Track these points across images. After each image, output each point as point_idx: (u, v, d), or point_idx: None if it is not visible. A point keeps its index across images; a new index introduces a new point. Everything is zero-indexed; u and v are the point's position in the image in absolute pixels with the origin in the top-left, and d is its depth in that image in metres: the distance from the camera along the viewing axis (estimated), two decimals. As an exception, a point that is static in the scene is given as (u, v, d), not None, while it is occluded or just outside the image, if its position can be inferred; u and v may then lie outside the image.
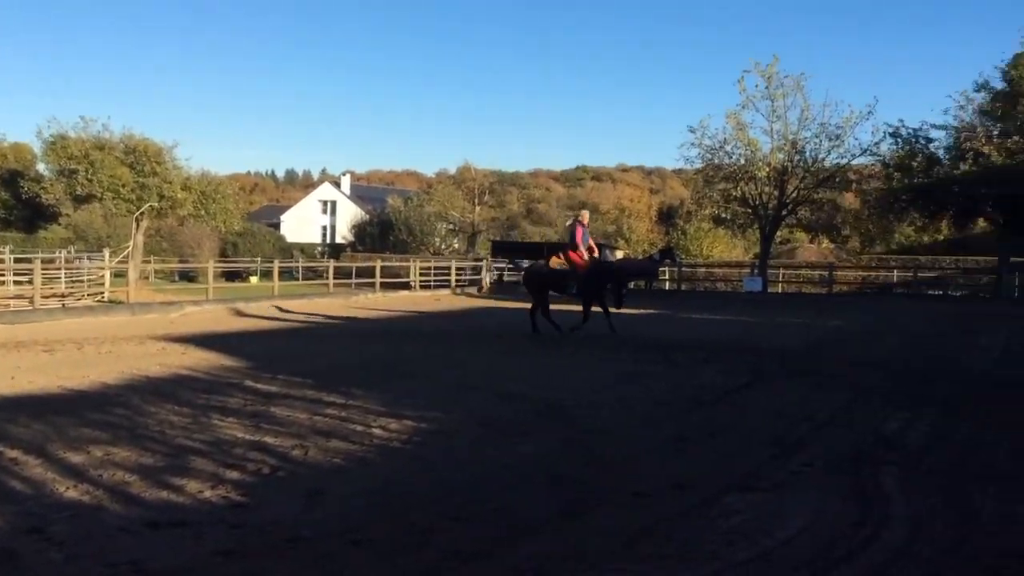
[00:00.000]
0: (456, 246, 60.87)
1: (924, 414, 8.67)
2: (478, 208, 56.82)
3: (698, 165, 39.08)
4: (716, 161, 37.82)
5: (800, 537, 4.86)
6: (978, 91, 33.85)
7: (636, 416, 8.37)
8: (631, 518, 5.14)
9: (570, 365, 12.10)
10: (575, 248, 16.47)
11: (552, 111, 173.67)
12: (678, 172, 76.14)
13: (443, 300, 30.12)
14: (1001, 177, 30.88)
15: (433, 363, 12.22)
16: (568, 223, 17.24)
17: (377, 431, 7.57)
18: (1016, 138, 31.40)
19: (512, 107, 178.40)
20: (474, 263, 41.43)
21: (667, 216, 74.39)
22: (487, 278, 37.33)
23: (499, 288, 20.34)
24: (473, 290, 35.54)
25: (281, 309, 23.65)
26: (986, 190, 31.99)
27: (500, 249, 47.69)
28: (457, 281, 36.90)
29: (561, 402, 8.98)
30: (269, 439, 7.20)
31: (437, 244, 59.13)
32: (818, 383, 10.70)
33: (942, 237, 46.73)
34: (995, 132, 32.49)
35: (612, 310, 16.52)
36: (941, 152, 34.49)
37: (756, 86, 36.58)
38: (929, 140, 34.74)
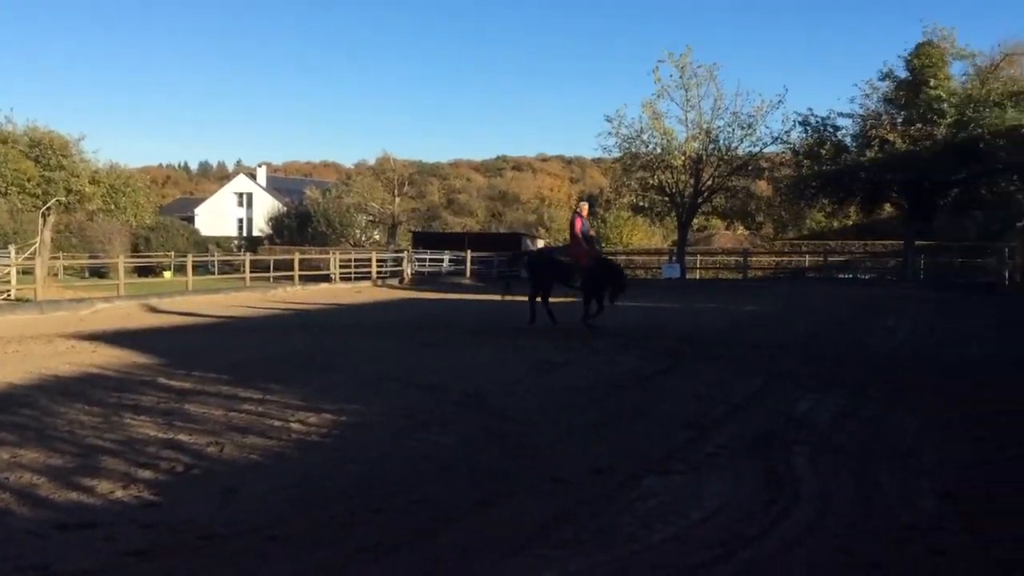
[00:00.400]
0: (377, 238, 60.34)
1: (833, 395, 8.94)
2: (398, 199, 56.38)
3: (616, 154, 39.52)
4: (633, 150, 38.29)
5: (715, 517, 4.97)
6: (883, 80, 34.97)
7: (556, 403, 8.44)
8: (550, 504, 5.19)
9: (492, 355, 12.11)
10: (575, 240, 15.96)
11: (472, 102, 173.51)
12: (597, 161, 76.89)
13: (364, 292, 29.84)
14: (905, 163, 31.99)
15: (353, 356, 12.10)
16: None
17: (295, 426, 7.47)
18: (919, 125, 32.53)
19: (432, 98, 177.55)
20: (395, 255, 41.15)
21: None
22: (408, 269, 37.13)
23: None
24: (395, 282, 35.30)
25: (194, 306, 23.12)
26: (891, 176, 33.10)
27: (421, 240, 47.51)
28: (378, 273, 36.62)
29: (482, 392, 8.99)
30: (183, 437, 7.04)
31: (357, 236, 58.53)
32: (734, 367, 10.95)
33: (851, 222, 48.20)
34: (899, 120, 33.61)
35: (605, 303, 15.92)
36: (848, 140, 35.55)
37: (670, 76, 37.16)
38: (837, 128, 35.80)
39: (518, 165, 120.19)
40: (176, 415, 7.91)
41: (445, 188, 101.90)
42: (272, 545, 4.54)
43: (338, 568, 4.23)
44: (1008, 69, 34.43)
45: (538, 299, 16.20)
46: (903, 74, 34.08)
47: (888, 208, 40.59)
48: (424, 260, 40.13)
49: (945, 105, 32.17)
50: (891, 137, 32.60)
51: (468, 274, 38.27)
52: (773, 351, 12.48)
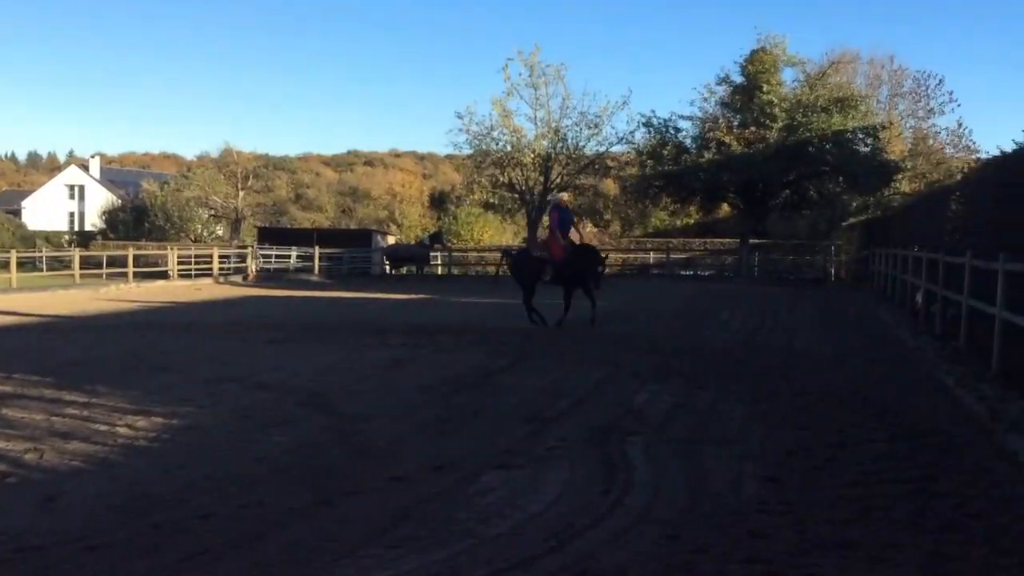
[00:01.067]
0: (220, 233, 58.25)
1: (670, 387, 9.27)
2: (242, 193, 54.61)
3: (467, 151, 39.72)
4: (484, 147, 38.56)
5: (551, 509, 5.05)
6: (720, 84, 36.59)
7: (399, 401, 8.38)
8: (388, 503, 5.13)
9: (337, 354, 11.90)
10: (552, 235, 15.55)
11: (322, 95, 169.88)
12: (450, 158, 76.95)
13: (204, 290, 28.73)
14: (740, 165, 33.57)
15: (189, 356, 11.62)
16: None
17: (123, 430, 7.11)
18: (753, 129, 34.19)
19: (279, 90, 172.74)
20: (239, 251, 39.84)
21: (439, 201, 75.03)
22: (253, 266, 36.04)
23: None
24: (238, 279, 34.19)
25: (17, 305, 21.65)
26: (727, 177, 34.66)
27: (267, 236, 46.20)
28: (221, 270, 35.36)
29: (324, 391, 8.82)
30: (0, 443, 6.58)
31: (199, 231, 56.31)
32: (577, 361, 11.17)
33: (692, 221, 50.20)
34: (735, 123, 35.21)
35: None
36: (688, 141, 36.99)
37: (520, 74, 37.65)
38: (678, 130, 37.19)
39: (370, 160, 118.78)
40: (-11, 422, 7.37)
41: (293, 182, 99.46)
42: (90, 555, 4.30)
43: (159, 578, 4.04)
44: (835, 76, 36.64)
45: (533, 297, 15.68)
46: (739, 79, 35.73)
47: (726, 208, 42.45)
48: (270, 256, 38.99)
49: (776, 110, 33.96)
50: (727, 139, 34.13)
51: (317, 271, 37.51)
52: (616, 344, 12.82)
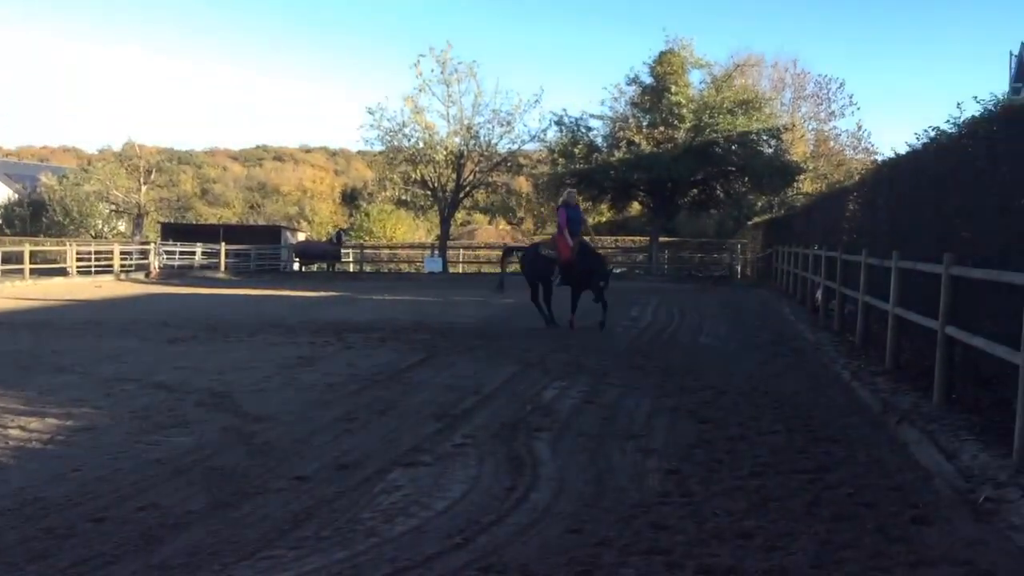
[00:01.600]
0: (122, 229, 56.39)
1: (578, 382, 9.37)
2: (144, 187, 52.92)
3: (378, 147, 39.42)
4: (395, 144, 38.31)
5: (456, 506, 5.04)
6: (630, 85, 37.15)
7: (306, 400, 8.25)
8: (291, 503, 5.05)
9: (242, 353, 11.67)
10: (560, 234, 14.80)
11: (230, 89, 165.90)
12: (362, 154, 76.15)
13: (105, 287, 27.78)
14: (649, 164, 34.16)
15: (86, 355, 11.23)
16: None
17: (14, 432, 6.83)
18: (662, 129, 34.85)
19: (185, 83, 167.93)
20: (141, 247, 38.67)
21: (351, 198, 74.19)
22: (155, 263, 35.02)
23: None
24: (141, 276, 33.19)
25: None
26: (637, 176, 35.22)
27: (171, 232, 44.95)
28: (122, 266, 34.26)
29: (228, 391, 8.63)
30: None
31: (99, 227, 54.40)
32: (488, 357, 11.21)
33: (604, 219, 50.82)
34: (644, 123, 35.81)
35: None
36: (600, 140, 37.47)
37: (432, 71, 37.52)
38: (589, 129, 37.64)
39: (279, 155, 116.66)
40: None
41: (199, 177, 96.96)
42: (-24, 564, 4.11)
43: (50, 584, 3.89)
44: (740, 79, 37.60)
45: (542, 296, 15.16)
46: (648, 80, 36.33)
47: (636, 206, 43.14)
48: (174, 253, 37.95)
49: (684, 111, 34.67)
50: (637, 139, 34.70)
51: (223, 268, 36.70)
52: (525, 342, 12.89)
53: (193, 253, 38.59)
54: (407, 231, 59.51)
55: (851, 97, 43.84)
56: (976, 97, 10.49)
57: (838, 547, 4.40)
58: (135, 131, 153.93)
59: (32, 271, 30.18)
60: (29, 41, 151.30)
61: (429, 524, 4.72)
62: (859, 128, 43.66)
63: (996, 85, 40.65)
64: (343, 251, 40.81)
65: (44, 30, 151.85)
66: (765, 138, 35.34)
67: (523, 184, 45.36)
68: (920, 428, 6.86)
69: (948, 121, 9.52)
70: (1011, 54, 31.08)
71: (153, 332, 13.98)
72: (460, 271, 40.55)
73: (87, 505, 5.00)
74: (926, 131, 10.28)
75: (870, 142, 44.07)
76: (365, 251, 43.84)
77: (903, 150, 11.51)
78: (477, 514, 4.88)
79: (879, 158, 22.42)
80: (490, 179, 39.47)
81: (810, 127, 45.18)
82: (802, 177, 37.73)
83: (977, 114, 8.51)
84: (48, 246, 39.80)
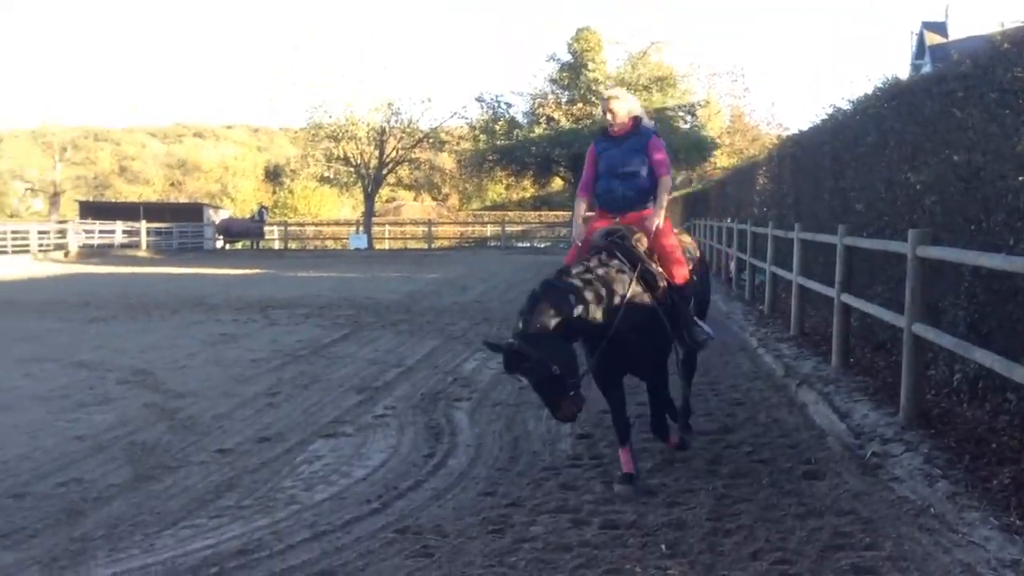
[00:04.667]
0: (39, 209, 54.72)
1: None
2: (60, 165, 51.41)
3: (301, 125, 39.10)
4: (316, 120, 37.98)
5: (375, 474, 5.25)
6: (548, 61, 37.49)
7: (228, 376, 8.33)
8: (212, 475, 5.19)
9: (166, 330, 11.62)
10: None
11: (147, 64, 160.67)
12: (285, 130, 74.92)
13: (21, 267, 27.05)
14: (569, 140, 34.53)
15: (2, 336, 11.07)
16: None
17: (-72, 415, 6.78)
18: (580, 105, 35.26)
19: (101, 59, 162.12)
20: (59, 226, 37.64)
21: (275, 175, 73.02)
22: (74, 242, 34.15)
23: None
24: (59, 255, 32.35)
25: None
26: (558, 151, 35.60)
27: (90, 210, 43.82)
28: (40, 246, 33.32)
29: (149, 368, 8.66)
30: None
31: (14, 205, 52.73)
32: (411, 331, 11.37)
33: (528, 195, 51.18)
34: (564, 99, 36.19)
35: None
36: (520, 116, 37.72)
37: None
38: (510, 105, 37.88)
39: (200, 132, 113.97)
40: None
41: (117, 155, 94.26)
42: None
43: (-29, 558, 3.98)
44: (656, 56, 38.13)
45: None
46: (566, 57, 36.67)
47: (559, 181, 43.55)
48: (93, 232, 37.04)
49: (602, 87, 35.08)
50: (556, 115, 35.07)
51: (144, 247, 35.99)
52: (448, 316, 13.09)
53: (113, 232, 37.71)
54: (332, 208, 59.01)
55: (762, 74, 44.90)
56: (868, 76, 11.02)
57: (733, 501, 4.72)
58: (52, 109, 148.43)
59: (-59, 252, 29.18)
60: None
61: (349, 491, 4.91)
62: (773, 104, 44.76)
63: (900, 65, 42.02)
64: (267, 228, 40.33)
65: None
66: (681, 114, 36.00)
67: (446, 160, 45.40)
68: (818, 391, 7.26)
69: (844, 99, 9.98)
70: (912, 33, 32.23)
71: (73, 312, 13.78)
72: (386, 247, 40.45)
73: (7, 482, 5.06)
74: (824, 108, 10.75)
75: (782, 119, 45.27)
76: (289, 228, 43.38)
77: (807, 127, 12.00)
78: (395, 480, 5.09)
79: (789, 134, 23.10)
80: (413, 155, 39.40)
81: (726, 103, 46.09)
82: (718, 152, 38.57)
83: (869, 92, 8.96)
84: (-42, 226, 38.41)
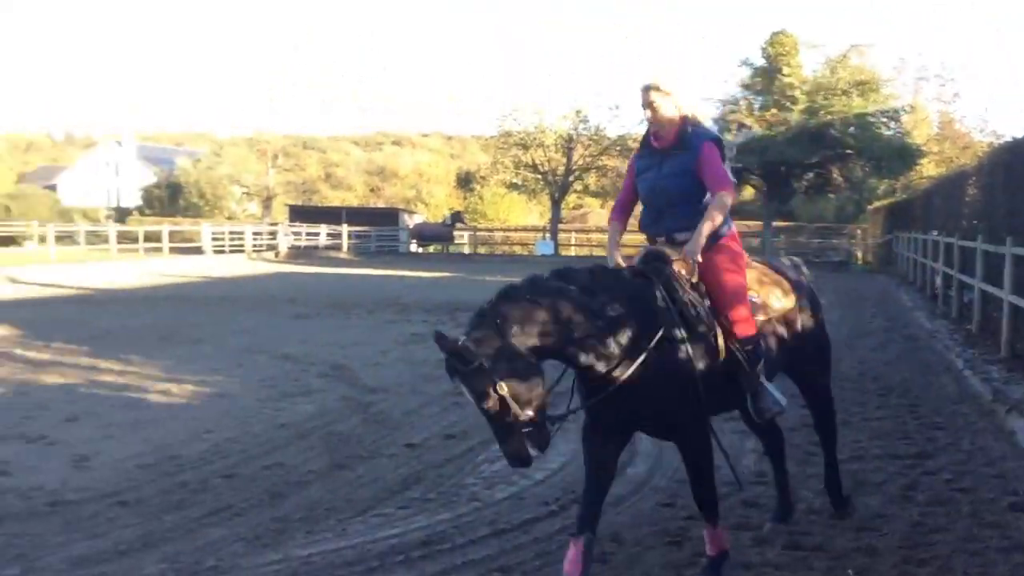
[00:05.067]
0: (253, 211, 58.95)
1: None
2: (273, 171, 55.16)
3: (491, 133, 40.01)
4: (506, 127, 38.75)
5: (554, 476, 5.33)
6: (741, 66, 36.42)
7: (418, 374, 8.67)
8: (402, 468, 5.44)
9: (362, 329, 12.24)
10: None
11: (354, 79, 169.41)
12: (476, 138, 77.01)
13: (237, 265, 29.24)
14: (762, 147, 33.37)
15: (220, 328, 12.02)
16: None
17: (154, 396, 7.48)
18: (774, 111, 34.05)
19: (314, 72, 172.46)
20: (271, 228, 40.39)
21: (466, 181, 75.13)
22: (283, 243, 36.54)
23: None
24: (270, 255, 34.71)
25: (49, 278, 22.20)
26: (750, 159, 34.51)
27: (298, 214, 46.72)
28: (253, 246, 35.89)
29: (347, 364, 9.15)
30: (38, 408, 6.96)
31: (232, 208, 57.05)
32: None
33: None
34: (756, 105, 35.08)
35: None
36: (710, 123, 36.81)
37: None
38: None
39: (398, 140, 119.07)
40: (31, 386, 7.78)
41: (323, 162, 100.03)
42: (122, 510, 4.64)
43: (185, 530, 4.37)
44: (856, 59, 36.26)
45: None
46: (760, 62, 35.55)
47: (750, 190, 42.33)
48: (300, 234, 39.50)
49: (797, 92, 33.76)
50: (748, 121, 34.01)
51: (345, 248, 37.96)
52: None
53: (318, 234, 40.07)
54: (520, 214, 60.01)
55: (976, 78, 41.82)
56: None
57: (930, 530, 4.45)
58: (265, 117, 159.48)
59: (171, 249, 32.01)
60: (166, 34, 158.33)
61: (527, 492, 5.02)
62: (986, 110, 41.59)
63: None
64: (457, 233, 41.53)
65: (180, 22, 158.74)
66: (884, 120, 34.06)
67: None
68: (1030, 418, 6.73)
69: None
70: None
71: (281, 308, 14.77)
72: (572, 253, 40.72)
73: (218, 463, 5.51)
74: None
75: (996, 126, 42.00)
76: (479, 233, 44.50)
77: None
78: (574, 484, 5.11)
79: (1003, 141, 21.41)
80: (600, 163, 39.45)
81: (933, 108, 43.22)
82: (925, 160, 36.23)
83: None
84: (186, 226, 42.02)
